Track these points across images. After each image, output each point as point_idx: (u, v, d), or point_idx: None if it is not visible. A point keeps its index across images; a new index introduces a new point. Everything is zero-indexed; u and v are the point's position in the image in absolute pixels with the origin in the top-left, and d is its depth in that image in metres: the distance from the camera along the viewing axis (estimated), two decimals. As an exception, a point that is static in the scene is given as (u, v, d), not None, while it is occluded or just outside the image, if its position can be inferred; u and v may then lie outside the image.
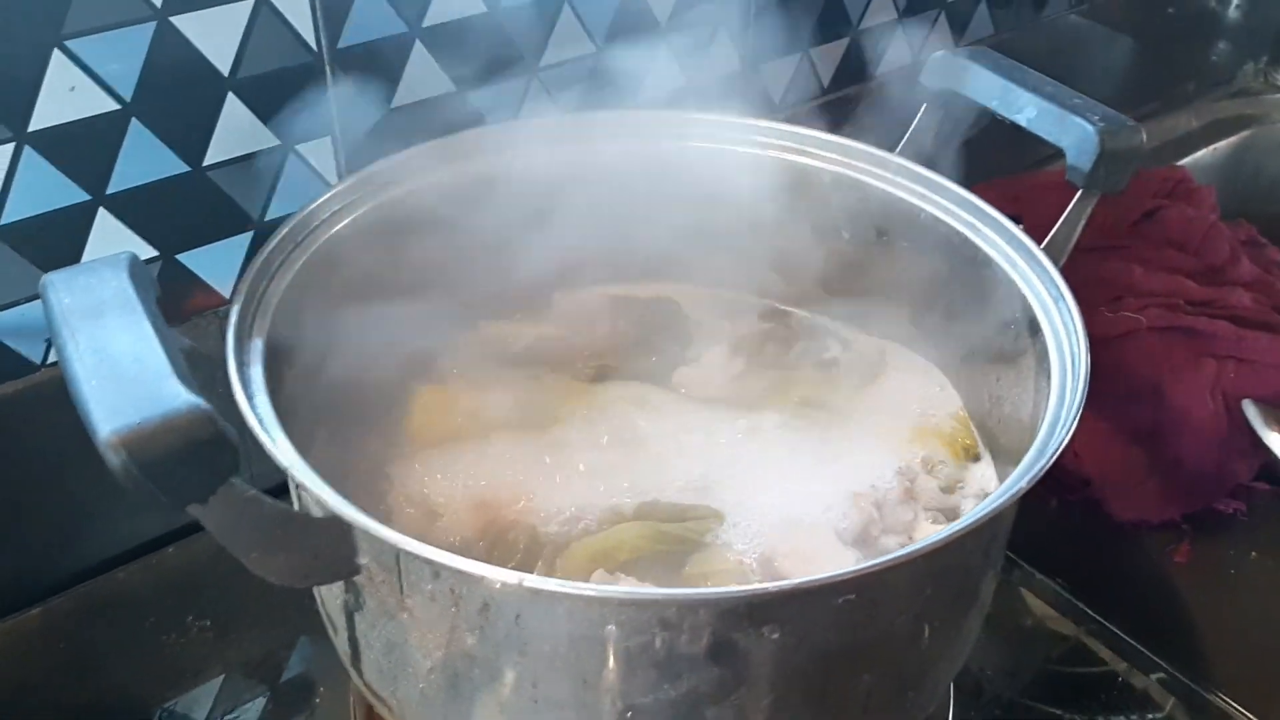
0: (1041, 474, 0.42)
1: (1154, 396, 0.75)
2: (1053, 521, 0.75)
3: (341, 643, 0.49)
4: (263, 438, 0.41)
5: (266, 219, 0.67)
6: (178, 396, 0.36)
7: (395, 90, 0.68)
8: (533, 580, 0.37)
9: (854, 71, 0.90)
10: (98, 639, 0.64)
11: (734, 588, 0.45)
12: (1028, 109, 0.55)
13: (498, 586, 0.38)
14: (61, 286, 0.40)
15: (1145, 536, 0.74)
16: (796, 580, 0.39)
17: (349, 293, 0.56)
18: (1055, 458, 0.43)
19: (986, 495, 0.55)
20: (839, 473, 0.54)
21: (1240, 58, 1.29)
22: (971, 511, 0.40)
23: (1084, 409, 0.74)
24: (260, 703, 0.62)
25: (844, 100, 0.89)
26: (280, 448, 0.42)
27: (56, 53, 0.56)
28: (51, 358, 0.63)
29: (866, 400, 0.60)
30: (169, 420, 0.35)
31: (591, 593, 0.38)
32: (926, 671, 0.47)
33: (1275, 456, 0.74)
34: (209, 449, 0.36)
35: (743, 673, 0.41)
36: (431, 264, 0.60)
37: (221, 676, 0.63)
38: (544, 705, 0.42)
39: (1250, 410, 0.75)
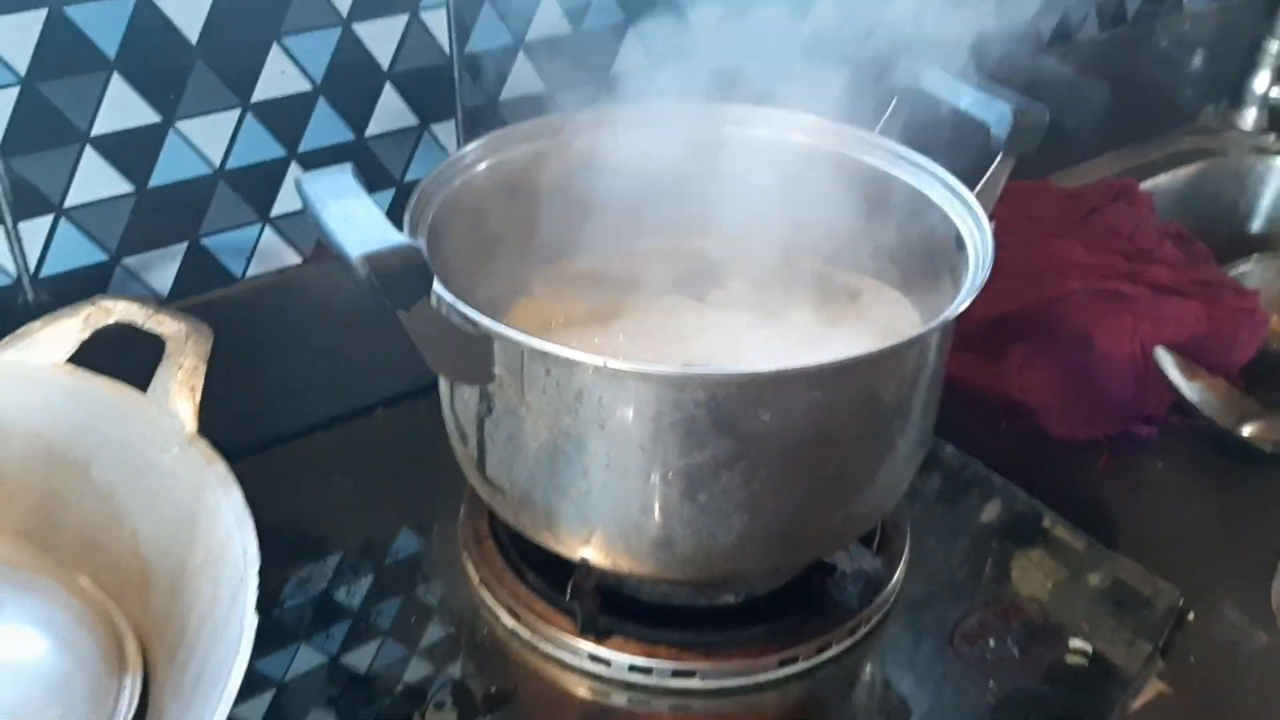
0: (946, 321, 0.63)
1: (1084, 343, 0.96)
2: (1004, 438, 0.95)
3: (471, 450, 0.70)
4: (436, 284, 0.63)
5: (406, 179, 0.89)
6: (399, 236, 0.58)
7: (503, 87, 0.91)
8: (614, 363, 0.58)
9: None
10: (280, 489, 0.85)
11: (736, 369, 0.66)
12: (966, 97, 0.76)
13: (590, 370, 0.60)
14: (314, 179, 0.63)
15: (1076, 451, 0.94)
16: (779, 367, 0.59)
17: (474, 226, 0.78)
18: (957, 313, 0.63)
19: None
20: (825, 350, 0.74)
21: (1202, 100, 1.50)
22: (901, 338, 0.61)
23: (1030, 353, 0.95)
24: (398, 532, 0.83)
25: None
26: (442, 289, 0.63)
27: (275, 45, 0.79)
28: (249, 272, 0.85)
29: (848, 313, 0.80)
30: (395, 249, 0.57)
31: (648, 369, 0.59)
32: (874, 473, 0.67)
33: (1179, 391, 0.94)
34: (416, 270, 0.57)
35: (745, 445, 0.61)
36: (529, 212, 0.82)
37: (368, 516, 0.84)
38: (614, 469, 0.63)
39: (1161, 355, 0.95)
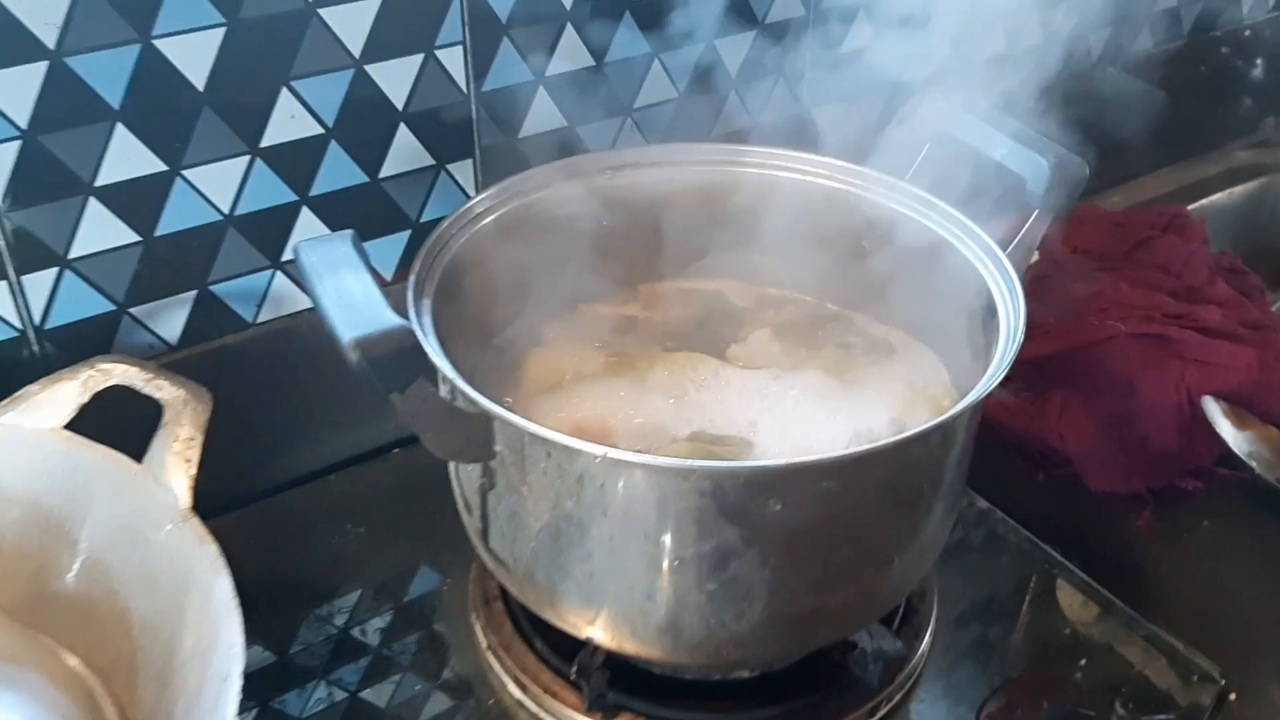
0: (972, 405, 0.60)
1: (1127, 390, 0.91)
2: (1040, 489, 0.91)
3: (474, 520, 0.68)
4: (436, 359, 0.61)
5: (422, 220, 0.87)
6: (393, 319, 0.55)
7: (522, 124, 0.88)
8: (614, 453, 0.56)
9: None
10: (279, 541, 0.84)
11: (744, 463, 0.63)
12: (1001, 148, 0.72)
13: (590, 460, 0.57)
14: (311, 249, 0.60)
15: (1115, 505, 0.90)
16: (791, 460, 0.57)
17: (487, 275, 0.75)
18: (982, 400, 0.60)
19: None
20: (844, 418, 0.71)
21: (1262, 112, 1.44)
22: (920, 426, 0.58)
23: (1069, 399, 0.91)
24: (389, 595, 0.81)
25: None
26: (446, 364, 0.61)
27: (284, 90, 0.77)
28: (260, 317, 0.83)
29: (873, 372, 0.77)
30: (387, 332, 0.54)
31: (650, 462, 0.56)
32: (893, 558, 0.64)
33: (1226, 443, 0.89)
34: (410, 354, 0.55)
35: (755, 534, 0.59)
36: (546, 256, 0.79)
37: (374, 569, 0.83)
38: (618, 554, 0.61)
39: (1209, 405, 0.91)
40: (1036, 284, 0.74)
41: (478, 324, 0.76)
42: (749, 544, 0.59)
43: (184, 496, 0.63)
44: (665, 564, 0.60)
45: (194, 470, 0.64)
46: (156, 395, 0.66)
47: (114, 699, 0.61)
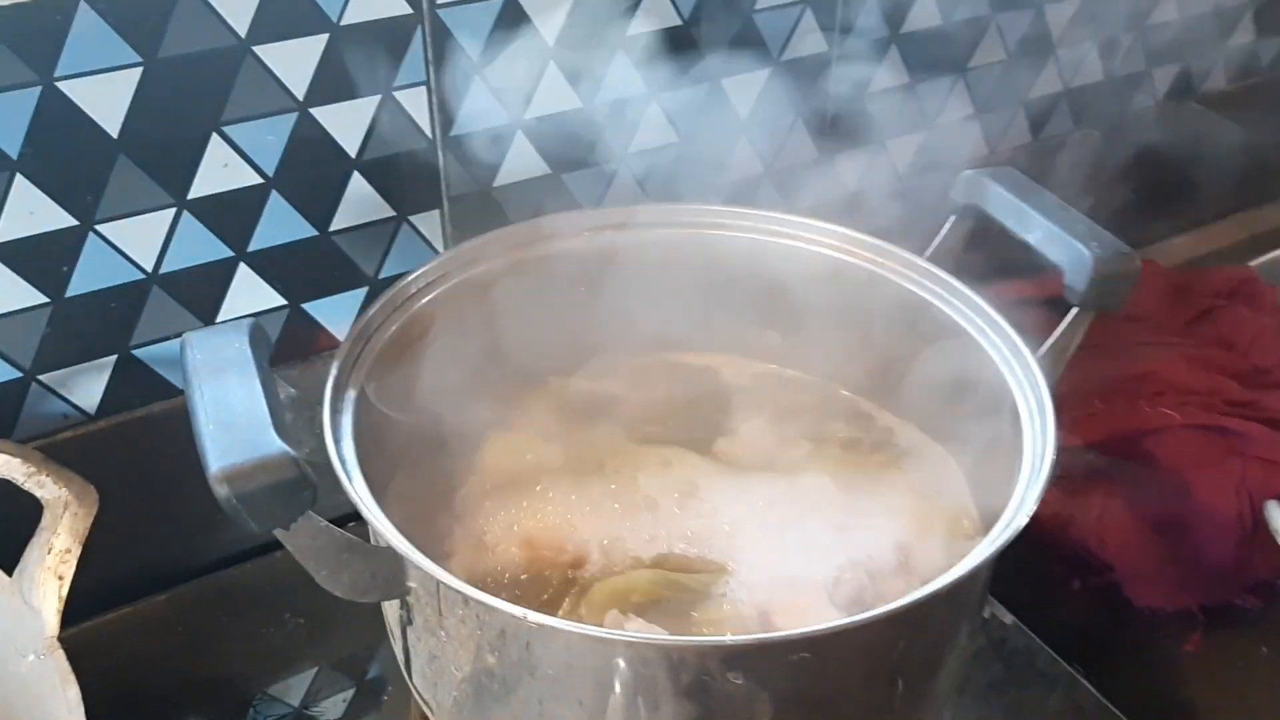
0: (976, 568, 0.49)
1: (1180, 491, 0.80)
2: (1074, 601, 0.80)
3: (398, 649, 0.58)
4: (342, 478, 0.51)
5: (381, 276, 0.77)
6: (272, 444, 0.46)
7: (497, 172, 0.78)
8: (535, 616, 0.46)
9: (927, 163, 0.97)
10: (211, 626, 0.75)
11: (698, 637, 0.53)
12: (1035, 230, 0.61)
13: (510, 619, 0.47)
14: (197, 345, 0.51)
15: (1160, 623, 0.78)
16: (750, 636, 0.46)
17: (435, 351, 0.66)
18: (996, 551, 0.49)
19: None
20: (841, 541, 0.61)
21: (1347, 156, 1.31)
22: (904, 597, 0.47)
23: (1110, 497, 0.80)
24: (347, 694, 0.72)
25: (913, 190, 0.96)
26: (355, 486, 0.51)
27: (215, 136, 0.68)
28: (192, 385, 0.74)
29: (880, 478, 0.66)
30: (263, 462, 0.45)
31: (577, 630, 0.46)
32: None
33: (1294, 557, 0.78)
34: (292, 486, 0.46)
35: (714, 712, 0.48)
36: (508, 328, 0.70)
37: (314, 669, 0.74)
38: None
39: (1273, 511, 0.79)
40: (1080, 352, 0.63)
41: (424, 406, 0.66)
42: (704, 720, 0.49)
43: (51, 622, 0.54)
44: (605, 735, 0.50)
45: (65, 589, 0.55)
46: (38, 493, 0.58)
47: None
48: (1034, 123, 1.03)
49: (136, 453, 0.73)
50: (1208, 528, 0.79)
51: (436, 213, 0.77)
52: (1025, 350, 0.60)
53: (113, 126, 0.64)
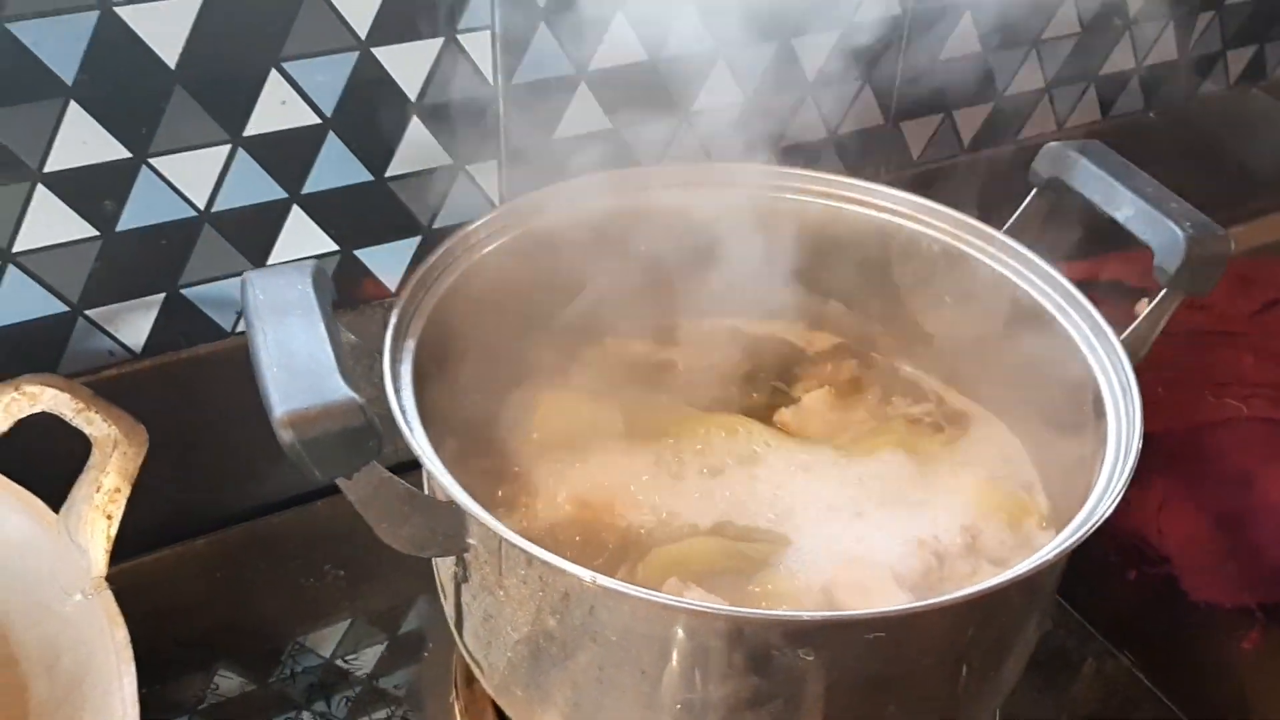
0: (1059, 555, 0.47)
1: (1244, 484, 0.77)
2: (1129, 594, 0.78)
3: (449, 608, 0.57)
4: (403, 428, 0.49)
5: (434, 227, 0.75)
6: (338, 390, 0.44)
7: (559, 123, 0.76)
8: (604, 580, 0.44)
9: (995, 136, 0.94)
10: (249, 572, 0.74)
11: (773, 611, 0.51)
12: (1125, 207, 0.59)
13: (577, 581, 0.45)
14: (258, 284, 0.49)
15: (1218, 618, 0.76)
16: (827, 614, 0.45)
17: (493, 305, 0.64)
18: (1079, 540, 0.47)
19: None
20: (907, 519, 0.59)
21: None
22: (990, 579, 0.45)
23: (1172, 489, 0.78)
24: (378, 649, 0.71)
25: (982, 162, 0.93)
26: (416, 437, 0.50)
27: (274, 72, 0.65)
28: (240, 327, 0.73)
29: (946, 458, 0.64)
30: (329, 408, 0.43)
31: (647, 597, 0.44)
32: (954, 714, 0.52)
33: (1360, 558, 0.75)
34: (357, 434, 0.44)
35: (779, 686, 0.47)
36: (566, 284, 0.68)
37: (349, 620, 0.72)
38: (608, 686, 0.49)
39: (1341, 510, 0.76)
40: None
41: (480, 361, 0.64)
42: (771, 695, 0.47)
43: (99, 561, 0.53)
44: (665, 706, 0.48)
45: (114, 529, 0.54)
46: (86, 430, 0.56)
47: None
48: (1104, 101, 1.00)
49: (180, 394, 0.72)
50: (1271, 523, 0.76)
51: (494, 163, 0.75)
52: (1109, 332, 0.57)
53: (170, 56, 0.62)
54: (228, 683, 0.67)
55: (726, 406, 0.67)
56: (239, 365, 0.73)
